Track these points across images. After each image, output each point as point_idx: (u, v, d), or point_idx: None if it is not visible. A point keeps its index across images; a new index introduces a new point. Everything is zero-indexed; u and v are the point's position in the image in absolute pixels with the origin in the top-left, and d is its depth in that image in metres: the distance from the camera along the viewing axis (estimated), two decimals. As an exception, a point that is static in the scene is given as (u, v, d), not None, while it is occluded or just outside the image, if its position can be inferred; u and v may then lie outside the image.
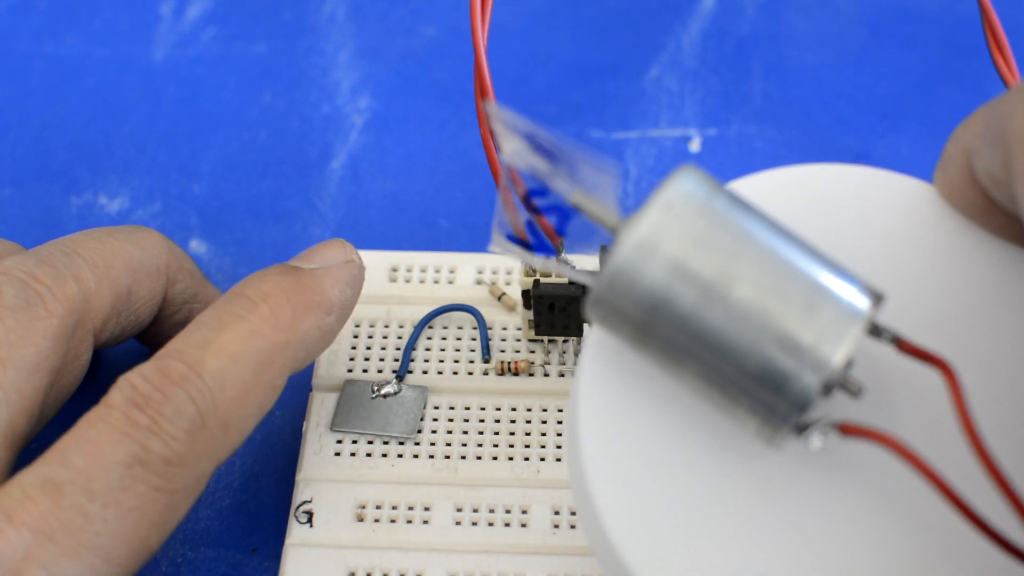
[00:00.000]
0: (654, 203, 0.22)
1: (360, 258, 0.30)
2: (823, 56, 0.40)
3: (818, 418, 0.22)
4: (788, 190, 0.26)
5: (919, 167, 0.39)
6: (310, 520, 0.29)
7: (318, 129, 0.39)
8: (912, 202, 0.26)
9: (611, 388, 0.24)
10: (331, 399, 0.31)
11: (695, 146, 0.38)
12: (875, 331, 0.23)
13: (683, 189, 0.22)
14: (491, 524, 0.29)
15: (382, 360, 0.32)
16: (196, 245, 0.36)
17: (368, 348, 0.32)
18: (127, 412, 0.25)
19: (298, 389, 0.33)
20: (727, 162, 0.38)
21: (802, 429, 0.22)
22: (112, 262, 0.29)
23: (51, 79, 0.40)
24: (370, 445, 0.30)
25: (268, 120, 0.39)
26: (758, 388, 0.22)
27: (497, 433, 0.30)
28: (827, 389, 0.22)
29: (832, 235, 0.25)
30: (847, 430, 0.22)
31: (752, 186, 0.26)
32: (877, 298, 0.22)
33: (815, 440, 0.22)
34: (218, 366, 0.26)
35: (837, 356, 0.22)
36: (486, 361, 0.32)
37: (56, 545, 0.24)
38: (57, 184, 0.38)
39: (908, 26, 0.41)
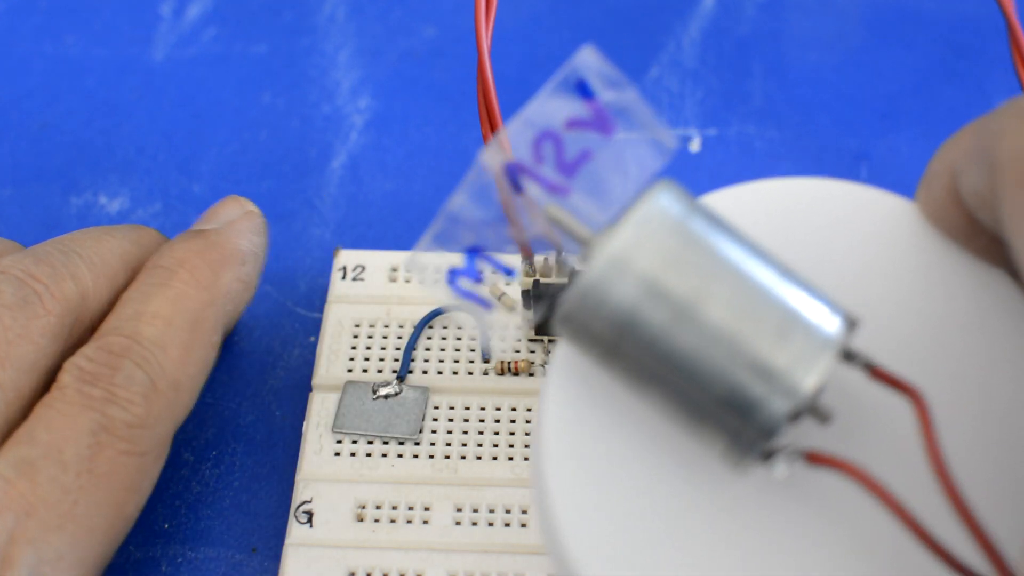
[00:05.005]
0: (628, 219, 0.22)
1: (257, 208, 0.32)
2: (823, 56, 0.40)
3: (784, 445, 0.22)
4: (766, 204, 0.25)
5: (919, 167, 0.39)
6: (310, 520, 0.29)
7: (318, 129, 0.39)
8: (893, 220, 0.25)
9: (577, 409, 0.23)
10: (331, 399, 0.31)
11: (695, 146, 0.38)
12: (848, 356, 0.22)
13: (658, 205, 0.22)
14: (491, 524, 0.29)
15: (382, 360, 0.32)
16: (196, 245, 0.36)
17: (368, 348, 0.32)
18: (80, 389, 0.26)
19: (298, 389, 0.33)
20: (727, 162, 0.38)
21: (768, 455, 0.22)
22: (110, 260, 0.29)
23: (51, 79, 0.40)
24: (370, 445, 0.30)
25: (268, 120, 0.39)
26: (725, 413, 0.21)
27: (497, 433, 0.30)
28: (796, 415, 0.22)
29: (809, 252, 0.24)
30: (813, 459, 0.22)
31: (729, 199, 0.25)
32: (852, 324, 0.22)
33: (780, 468, 0.22)
34: (154, 332, 0.27)
35: (808, 383, 0.21)
36: (486, 361, 0.32)
37: (39, 521, 0.25)
38: (57, 184, 0.38)
39: (908, 26, 0.41)
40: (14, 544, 0.24)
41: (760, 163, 0.38)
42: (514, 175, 0.23)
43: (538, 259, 0.30)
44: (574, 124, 0.23)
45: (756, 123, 0.39)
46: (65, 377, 0.27)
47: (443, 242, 0.23)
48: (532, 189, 0.23)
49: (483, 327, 0.32)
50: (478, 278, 0.23)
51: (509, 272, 0.27)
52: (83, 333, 0.29)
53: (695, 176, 0.37)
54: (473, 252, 0.23)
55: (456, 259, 0.23)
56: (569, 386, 0.23)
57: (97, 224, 0.36)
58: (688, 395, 0.22)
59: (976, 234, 0.24)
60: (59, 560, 0.25)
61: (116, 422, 0.26)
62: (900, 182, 0.36)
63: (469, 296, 0.24)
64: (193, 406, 0.28)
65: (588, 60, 0.23)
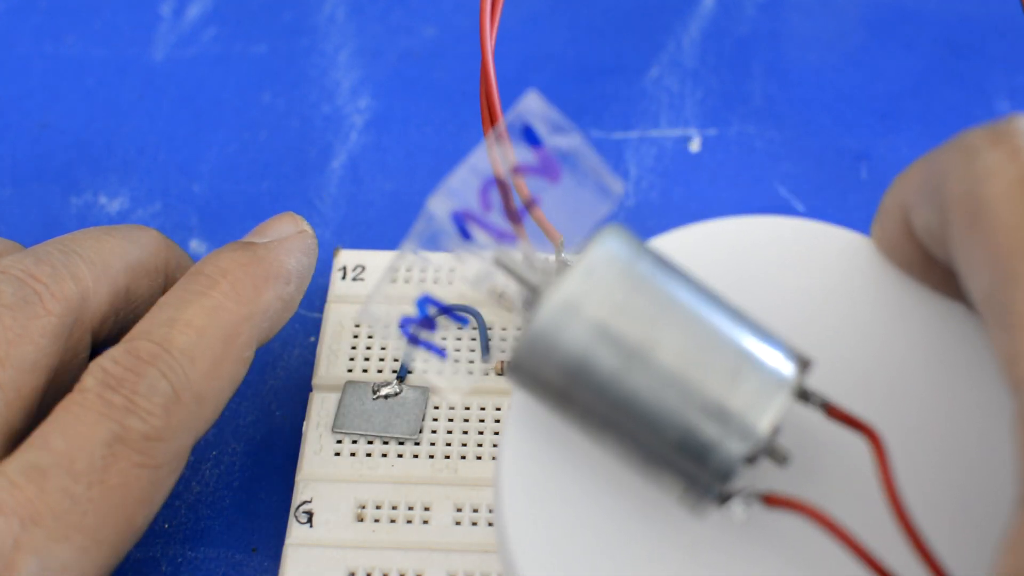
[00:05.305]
0: (576, 266, 0.22)
1: (311, 228, 0.31)
2: (823, 56, 0.40)
3: (741, 488, 0.22)
4: (721, 243, 0.25)
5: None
6: (310, 520, 0.29)
7: (318, 129, 0.39)
8: (849, 255, 0.25)
9: (534, 453, 0.23)
10: (331, 399, 0.31)
11: (695, 146, 0.38)
12: (804, 396, 0.22)
13: (606, 252, 0.22)
14: (491, 524, 0.29)
15: (382, 360, 0.32)
16: (196, 245, 0.36)
17: (368, 348, 0.32)
18: (101, 394, 0.26)
19: (298, 389, 0.33)
20: (727, 162, 0.38)
21: (725, 498, 0.22)
22: (110, 260, 0.29)
23: (51, 79, 0.40)
24: (370, 445, 0.30)
25: (268, 120, 0.39)
26: (680, 457, 0.21)
27: (497, 433, 0.30)
28: (752, 458, 0.21)
29: (765, 290, 0.24)
30: (771, 501, 0.21)
31: (684, 239, 0.25)
32: (804, 364, 0.22)
33: (738, 511, 0.21)
34: (186, 341, 0.27)
35: (762, 425, 0.21)
36: (486, 361, 0.32)
37: (45, 530, 0.24)
38: (57, 184, 0.38)
39: (908, 26, 0.41)
40: (18, 551, 0.24)
41: (760, 163, 0.38)
42: (461, 223, 0.23)
43: (539, 258, 0.30)
44: (521, 170, 0.23)
45: (756, 123, 0.39)
46: (88, 379, 0.26)
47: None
48: (480, 236, 0.23)
49: (483, 327, 0.32)
50: (432, 326, 0.23)
51: (463, 320, 0.27)
52: (83, 333, 0.29)
53: (695, 176, 0.37)
54: (424, 300, 0.24)
55: (408, 308, 0.23)
56: (527, 434, 0.23)
57: (97, 224, 0.36)
58: (643, 440, 0.21)
59: (931, 268, 0.24)
60: (63, 571, 0.24)
61: (133, 433, 0.26)
62: (900, 182, 0.36)
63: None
64: (216, 420, 0.28)
65: (533, 105, 0.23)
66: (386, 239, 0.36)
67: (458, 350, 0.32)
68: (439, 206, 0.23)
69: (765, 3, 0.41)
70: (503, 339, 0.32)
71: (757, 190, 0.37)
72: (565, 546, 0.22)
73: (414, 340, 0.23)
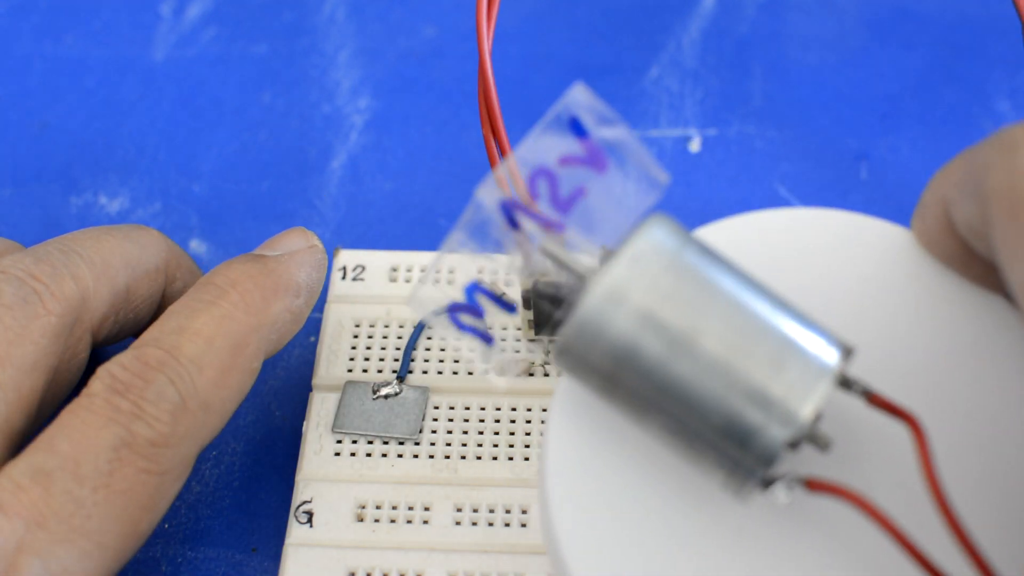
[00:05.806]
0: (623, 254, 0.22)
1: (322, 243, 0.31)
2: (823, 56, 0.40)
3: (784, 473, 0.22)
4: (765, 235, 0.26)
5: (919, 167, 0.38)
6: (310, 520, 0.29)
7: (318, 129, 0.39)
8: (891, 249, 0.25)
9: (580, 437, 0.24)
10: (331, 399, 0.31)
11: (695, 146, 0.38)
12: (846, 383, 0.22)
13: (652, 240, 0.22)
14: (491, 524, 0.29)
15: (382, 360, 0.32)
16: (196, 245, 0.36)
17: (368, 348, 0.32)
18: (109, 399, 0.26)
19: (298, 389, 0.33)
20: (727, 162, 0.38)
21: (768, 483, 0.22)
22: (110, 260, 0.29)
23: (51, 79, 0.40)
24: (370, 445, 0.30)
25: (268, 120, 0.39)
26: (723, 442, 0.22)
27: (497, 433, 0.30)
28: (794, 444, 0.22)
29: (809, 281, 0.25)
30: (813, 486, 0.22)
31: (728, 230, 0.26)
32: (847, 352, 0.22)
33: (781, 495, 0.22)
34: (194, 350, 0.27)
35: (805, 411, 0.21)
36: (486, 361, 0.32)
37: (49, 532, 0.24)
38: (57, 184, 0.38)
39: (908, 26, 0.41)
40: (21, 552, 0.24)
41: (760, 163, 0.38)
42: (509, 212, 0.23)
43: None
44: (568, 161, 0.23)
45: (756, 123, 0.39)
46: (96, 384, 0.26)
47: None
48: (528, 225, 0.23)
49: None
50: (479, 313, 0.24)
51: (511, 308, 0.27)
52: (83, 333, 0.29)
53: (695, 176, 0.37)
54: (472, 288, 0.24)
55: (456, 294, 0.24)
56: (571, 418, 0.24)
57: (97, 224, 0.36)
58: (687, 425, 0.22)
59: (972, 261, 0.24)
60: (65, 574, 0.25)
61: (139, 439, 0.26)
62: (900, 182, 0.36)
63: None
64: (222, 429, 0.28)
65: (580, 97, 0.23)
66: (386, 239, 0.36)
67: (458, 350, 0.32)
68: (487, 195, 0.23)
69: (765, 3, 0.41)
70: (503, 339, 0.32)
71: (757, 190, 0.37)
72: (610, 529, 0.23)
73: (462, 327, 0.24)
